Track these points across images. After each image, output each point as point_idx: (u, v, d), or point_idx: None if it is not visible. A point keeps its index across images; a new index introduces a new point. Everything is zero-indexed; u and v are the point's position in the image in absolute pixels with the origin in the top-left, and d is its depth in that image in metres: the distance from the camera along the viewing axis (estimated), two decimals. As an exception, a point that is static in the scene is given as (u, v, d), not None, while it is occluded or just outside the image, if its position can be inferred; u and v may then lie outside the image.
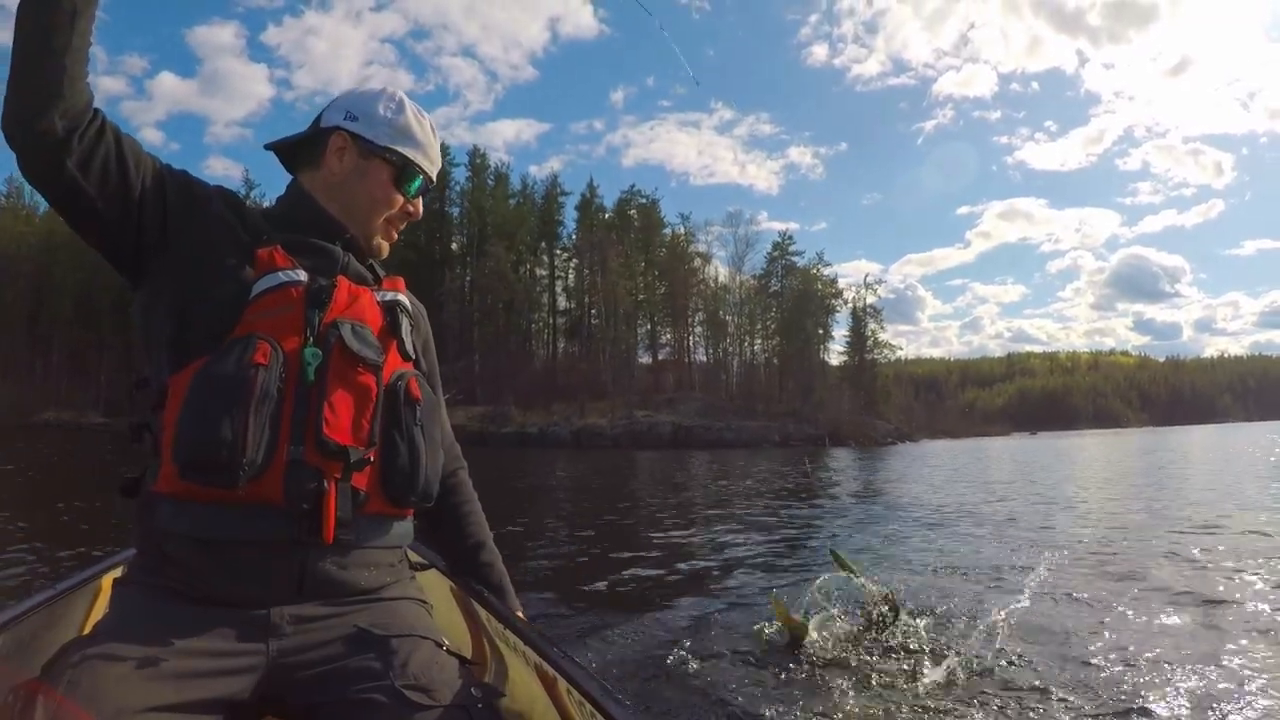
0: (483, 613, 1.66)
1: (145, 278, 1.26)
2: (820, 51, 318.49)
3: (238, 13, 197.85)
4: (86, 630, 1.25)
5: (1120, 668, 3.74)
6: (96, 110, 1.15)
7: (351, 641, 1.21)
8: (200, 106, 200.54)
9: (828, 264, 69.61)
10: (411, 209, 1.47)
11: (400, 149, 1.41)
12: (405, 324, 1.40)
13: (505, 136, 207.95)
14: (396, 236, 1.50)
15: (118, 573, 1.53)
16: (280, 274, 1.26)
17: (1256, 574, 5.96)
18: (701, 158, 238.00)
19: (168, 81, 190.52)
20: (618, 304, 60.19)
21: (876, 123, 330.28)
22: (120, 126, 1.19)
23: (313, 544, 1.20)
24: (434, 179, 1.50)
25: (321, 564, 1.22)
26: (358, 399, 1.26)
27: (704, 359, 68.86)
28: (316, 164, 1.41)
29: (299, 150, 1.44)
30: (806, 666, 3.88)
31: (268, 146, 1.45)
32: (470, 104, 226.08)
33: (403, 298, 1.44)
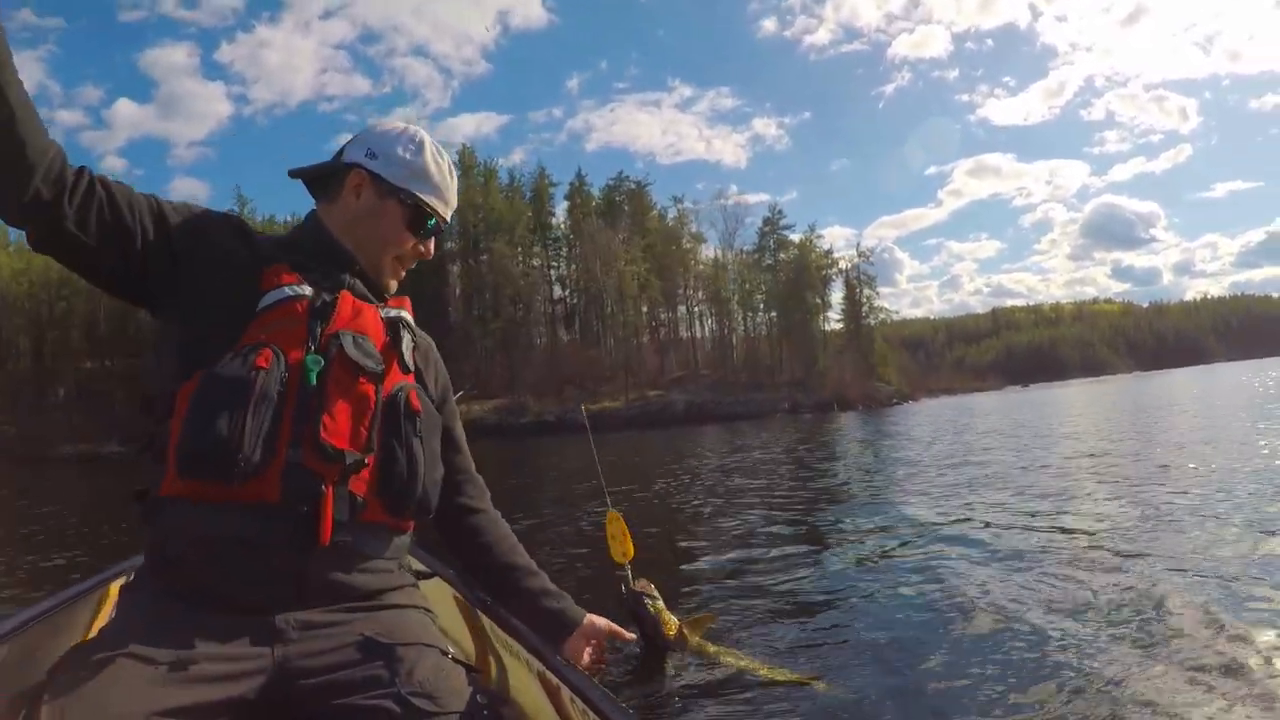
0: (487, 621, 1.67)
1: (161, 305, 1.31)
2: (770, 25, 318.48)
3: (189, 33, 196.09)
4: (90, 636, 1.27)
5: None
6: (81, 169, 1.17)
7: (357, 649, 1.23)
8: (160, 130, 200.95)
9: (820, 235, 70.67)
10: (423, 249, 1.50)
11: (416, 191, 1.44)
12: (407, 339, 1.43)
13: (466, 131, 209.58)
14: (404, 274, 1.52)
15: (124, 580, 1.58)
16: (286, 289, 1.30)
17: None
18: (666, 136, 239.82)
19: (125, 108, 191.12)
20: (624, 289, 61.02)
21: (836, 90, 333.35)
22: (108, 175, 1.22)
23: (310, 547, 1.22)
24: (448, 219, 1.52)
25: (320, 567, 1.24)
26: (356, 406, 1.30)
27: (707, 335, 70.07)
28: (334, 198, 1.44)
29: (319, 180, 1.48)
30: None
31: (292, 174, 1.49)
32: (429, 102, 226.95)
33: (406, 315, 1.47)
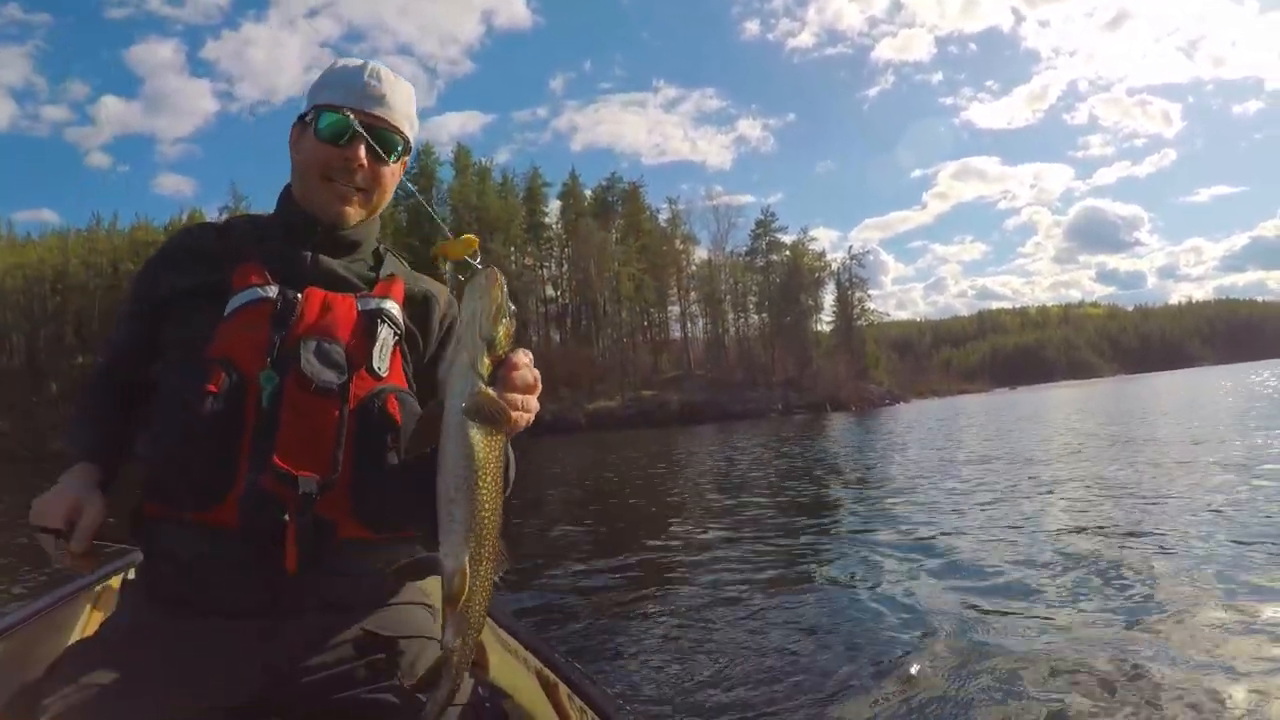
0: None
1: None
2: (753, 27, 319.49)
3: (175, 30, 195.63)
4: (89, 634, 1.25)
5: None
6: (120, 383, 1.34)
7: (358, 645, 1.21)
8: (146, 126, 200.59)
9: (813, 238, 71.39)
10: (348, 155, 1.29)
11: (315, 102, 1.32)
12: (385, 335, 1.29)
13: (451, 130, 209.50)
14: (351, 193, 1.33)
15: (124, 576, 1.55)
16: (250, 291, 1.24)
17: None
18: (651, 136, 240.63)
19: (111, 104, 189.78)
20: (620, 289, 61.40)
21: (820, 92, 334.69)
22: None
23: (280, 571, 1.16)
24: (364, 110, 1.30)
25: (301, 587, 1.19)
26: (317, 425, 1.19)
27: (700, 336, 70.46)
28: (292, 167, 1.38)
29: None
30: (809, 661, 3.66)
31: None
32: (413, 101, 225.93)
33: (390, 305, 1.33)
